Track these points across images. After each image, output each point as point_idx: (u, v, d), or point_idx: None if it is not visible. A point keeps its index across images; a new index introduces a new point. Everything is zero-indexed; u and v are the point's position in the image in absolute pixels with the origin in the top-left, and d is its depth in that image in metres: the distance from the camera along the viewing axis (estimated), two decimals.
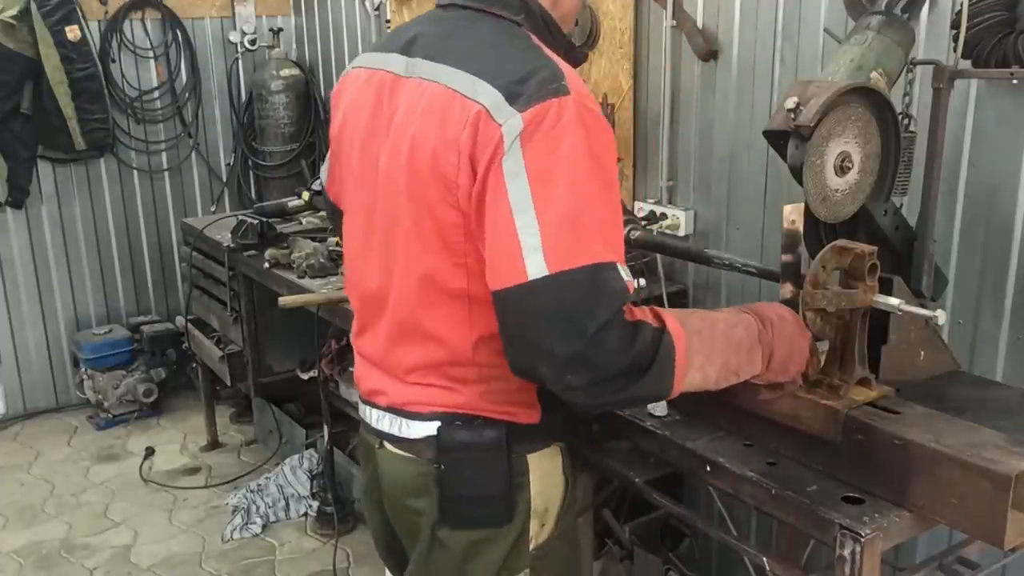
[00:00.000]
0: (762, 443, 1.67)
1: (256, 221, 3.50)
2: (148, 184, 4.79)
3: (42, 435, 4.47)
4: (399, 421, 1.55)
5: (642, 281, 2.75)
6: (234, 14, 4.84)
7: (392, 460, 1.59)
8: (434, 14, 1.57)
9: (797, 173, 1.62)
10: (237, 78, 4.92)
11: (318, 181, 2.38)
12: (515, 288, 1.30)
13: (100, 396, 4.48)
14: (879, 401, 1.56)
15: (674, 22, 2.77)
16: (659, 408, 1.84)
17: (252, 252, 3.45)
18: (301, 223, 3.69)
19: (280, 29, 4.80)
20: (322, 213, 3.54)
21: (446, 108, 1.37)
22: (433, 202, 1.40)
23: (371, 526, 1.79)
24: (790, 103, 1.59)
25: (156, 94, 4.70)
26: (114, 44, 4.51)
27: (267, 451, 4.04)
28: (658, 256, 2.80)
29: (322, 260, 3.15)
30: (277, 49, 4.71)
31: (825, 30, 2.20)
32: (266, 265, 3.28)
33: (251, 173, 5.00)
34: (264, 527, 3.59)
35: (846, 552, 1.42)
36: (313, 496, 3.64)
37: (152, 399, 4.55)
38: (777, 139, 1.67)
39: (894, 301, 1.49)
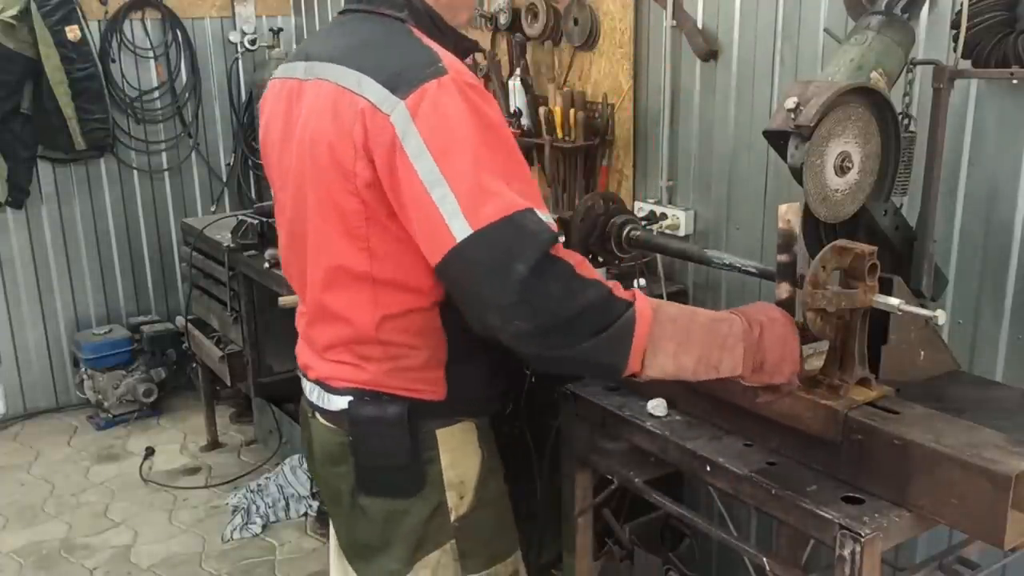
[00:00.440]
0: (762, 443, 1.67)
1: (256, 221, 3.50)
2: (148, 184, 4.79)
3: (42, 435, 4.47)
4: (324, 394, 1.68)
5: (642, 281, 2.76)
6: (234, 14, 4.84)
7: (320, 429, 1.73)
8: (335, 20, 1.71)
9: (797, 173, 1.62)
10: (237, 78, 4.92)
11: None
12: (449, 254, 1.38)
13: (100, 396, 4.48)
14: (879, 401, 1.56)
15: (674, 22, 2.77)
16: (659, 408, 1.84)
17: (252, 252, 3.45)
18: None
19: (280, 29, 4.80)
20: None
21: (337, 103, 1.49)
22: (334, 192, 1.51)
23: (318, 488, 1.96)
24: (790, 103, 1.59)
25: (156, 94, 4.70)
26: (114, 44, 4.51)
27: (267, 451, 4.04)
28: (658, 256, 2.80)
29: None
30: (277, 49, 4.71)
31: (825, 30, 2.20)
32: (266, 265, 3.29)
33: (251, 173, 5.00)
34: (264, 527, 3.59)
35: (846, 552, 1.42)
36: (313, 496, 3.64)
37: (152, 399, 4.55)
38: (777, 139, 1.67)
39: (894, 301, 1.49)
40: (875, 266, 1.51)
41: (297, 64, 1.65)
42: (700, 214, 2.87)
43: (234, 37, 4.85)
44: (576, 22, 3.06)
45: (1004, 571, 2.20)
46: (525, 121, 3.24)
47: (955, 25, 1.95)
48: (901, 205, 1.99)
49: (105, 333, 4.57)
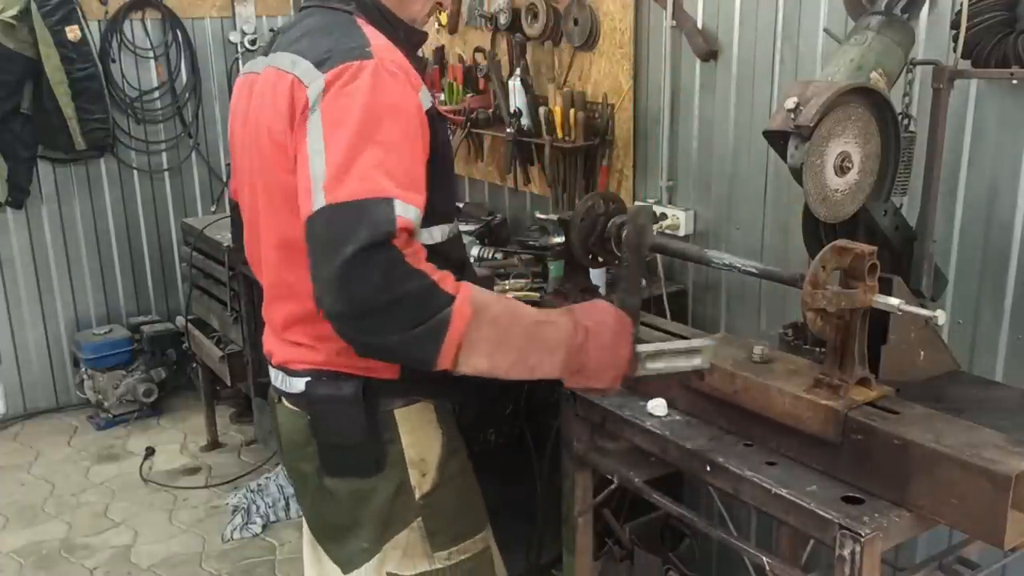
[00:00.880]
0: (762, 443, 1.67)
1: None
2: (148, 184, 4.79)
3: (42, 435, 4.47)
4: (286, 378, 1.72)
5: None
6: (234, 14, 4.84)
7: (285, 413, 1.77)
8: (296, 16, 1.78)
9: (797, 173, 1.62)
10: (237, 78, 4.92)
11: None
12: (306, 221, 1.44)
13: (100, 396, 4.48)
14: (879, 401, 1.56)
15: (674, 22, 2.77)
16: (659, 408, 1.84)
17: None
18: None
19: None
20: None
21: (275, 85, 1.57)
22: (277, 170, 1.57)
23: (287, 473, 1.98)
24: (790, 103, 1.59)
25: (156, 94, 4.70)
26: (114, 44, 4.51)
27: (267, 451, 4.04)
28: (658, 256, 2.80)
29: None
30: None
31: (825, 30, 2.20)
32: None
33: None
34: (264, 527, 3.59)
35: (846, 552, 1.42)
36: None
37: (152, 399, 4.55)
38: (777, 139, 1.67)
39: (894, 301, 1.49)
40: (875, 266, 1.51)
41: (259, 59, 1.72)
42: (700, 214, 2.87)
43: (234, 37, 4.85)
44: (576, 22, 3.06)
45: (1004, 571, 2.20)
46: (525, 121, 3.24)
47: (955, 25, 1.95)
48: (901, 205, 1.99)
49: (105, 333, 4.57)
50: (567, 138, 3.09)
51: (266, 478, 3.75)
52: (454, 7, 3.60)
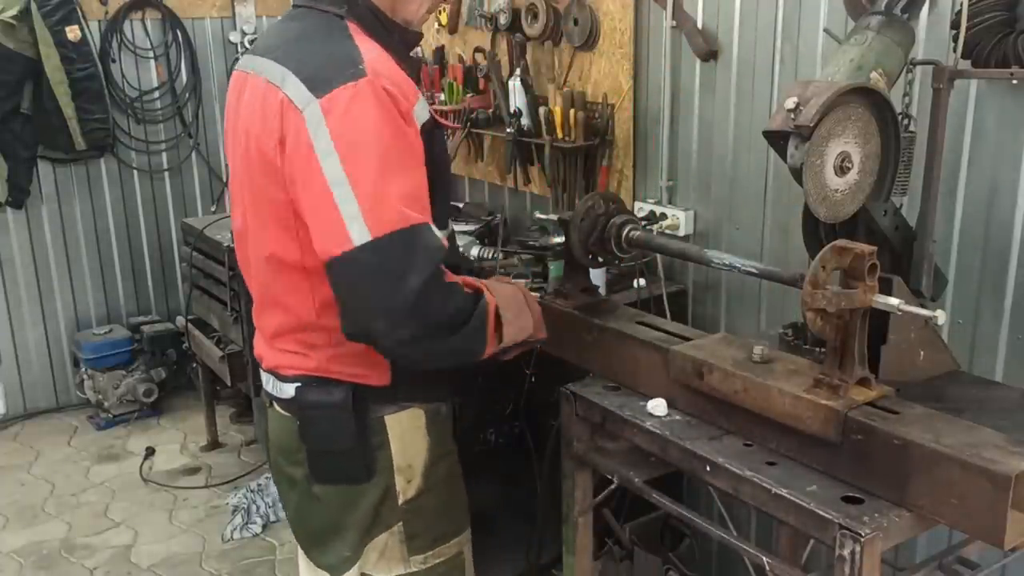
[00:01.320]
0: (762, 443, 1.67)
1: None
2: (148, 184, 4.79)
3: (42, 435, 4.47)
4: (277, 383, 1.73)
5: (642, 281, 2.76)
6: (234, 14, 4.83)
7: (276, 418, 1.78)
8: (285, 14, 1.75)
9: (797, 173, 1.62)
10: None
11: None
12: (343, 255, 1.45)
13: (100, 396, 4.48)
14: (879, 401, 1.56)
15: (674, 22, 2.77)
16: (659, 408, 1.84)
17: None
18: None
19: None
20: None
21: (264, 99, 1.54)
22: (264, 185, 1.56)
23: (274, 479, 1.98)
24: (790, 103, 1.59)
25: (156, 94, 4.70)
26: (114, 44, 4.51)
27: (267, 451, 4.04)
28: (658, 256, 2.80)
29: None
30: None
31: (825, 30, 2.20)
32: None
33: None
34: (264, 527, 3.59)
35: (846, 552, 1.42)
36: None
37: (152, 399, 4.55)
38: (777, 139, 1.67)
39: (894, 301, 1.49)
40: (875, 266, 1.51)
41: (249, 58, 1.70)
42: (700, 214, 2.87)
43: (234, 37, 4.85)
44: (576, 22, 3.06)
45: (1004, 571, 2.20)
46: (525, 121, 3.24)
47: (955, 25, 1.95)
48: (901, 205, 1.99)
49: (105, 333, 4.57)
50: (567, 138, 3.09)
51: (266, 478, 3.75)
52: (454, 7, 3.60)
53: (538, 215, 2.84)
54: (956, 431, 1.47)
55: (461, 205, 3.76)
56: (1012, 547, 1.39)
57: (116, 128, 4.56)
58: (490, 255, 3.08)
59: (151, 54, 4.64)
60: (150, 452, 4.20)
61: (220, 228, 3.77)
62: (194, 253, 3.90)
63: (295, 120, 1.47)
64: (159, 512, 3.75)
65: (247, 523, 3.57)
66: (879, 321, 1.64)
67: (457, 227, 3.08)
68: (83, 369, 4.55)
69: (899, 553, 2.31)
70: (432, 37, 3.72)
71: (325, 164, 1.44)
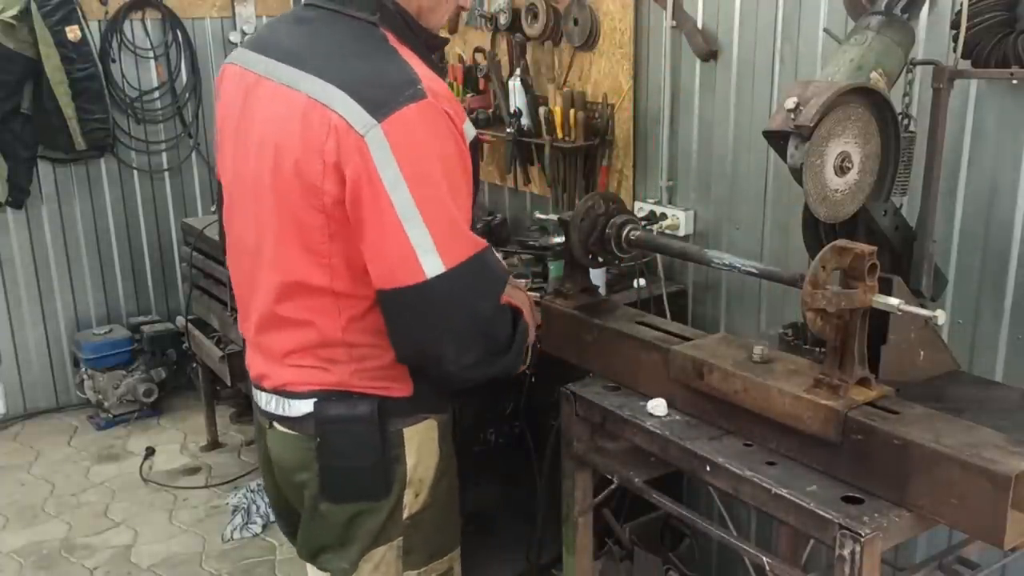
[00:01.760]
0: (762, 443, 1.67)
1: None
2: (148, 184, 4.79)
3: (42, 435, 4.47)
4: (283, 402, 1.65)
5: (642, 281, 2.76)
6: (234, 14, 4.83)
7: (279, 439, 1.70)
8: (297, 14, 1.62)
9: (797, 173, 1.62)
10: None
11: None
12: (415, 287, 1.43)
13: (100, 396, 4.48)
14: (879, 401, 1.56)
15: (674, 22, 2.77)
16: (659, 408, 1.84)
17: None
18: None
19: None
20: None
21: (306, 116, 1.44)
22: (297, 207, 1.48)
23: (270, 500, 1.92)
24: (790, 103, 1.59)
25: (156, 94, 4.70)
26: (114, 44, 4.51)
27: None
28: (658, 256, 2.80)
29: None
30: None
31: (825, 30, 2.20)
32: None
33: None
34: (264, 527, 3.58)
35: (846, 552, 1.42)
36: None
37: (152, 399, 4.55)
38: (777, 139, 1.67)
39: (894, 301, 1.49)
40: (875, 266, 1.51)
41: (257, 57, 1.59)
42: (700, 214, 2.87)
43: (234, 37, 4.85)
44: (576, 22, 3.06)
45: (1004, 571, 2.20)
46: (525, 121, 3.24)
47: (955, 25, 1.95)
48: (901, 205, 1.99)
49: (105, 333, 4.57)
50: (567, 138, 3.09)
51: None
52: None
53: (538, 215, 2.84)
54: (956, 431, 1.47)
55: None
56: (1012, 547, 1.39)
57: (116, 128, 4.56)
58: None
59: (151, 54, 4.64)
60: (150, 452, 4.20)
61: None
62: (194, 253, 3.90)
63: (355, 145, 1.39)
64: (159, 512, 3.74)
65: (247, 523, 3.57)
66: (879, 321, 1.64)
67: None
68: (83, 369, 4.55)
69: (899, 553, 2.31)
70: None
71: (394, 195, 1.40)
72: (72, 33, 4.18)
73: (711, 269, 2.70)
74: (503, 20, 3.32)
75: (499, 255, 1.58)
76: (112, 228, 4.73)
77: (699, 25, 2.73)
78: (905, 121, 1.88)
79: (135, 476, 4.03)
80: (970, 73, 1.96)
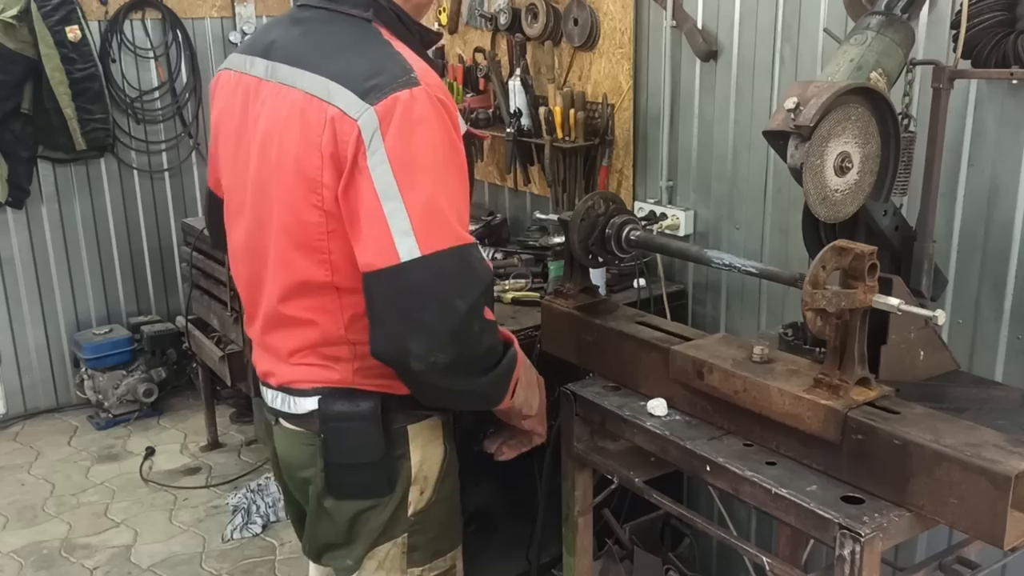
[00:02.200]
0: (762, 443, 1.67)
1: None
2: (148, 184, 4.79)
3: (42, 435, 4.47)
4: (288, 399, 1.66)
5: (642, 281, 2.76)
6: (234, 14, 4.84)
7: (285, 435, 1.72)
8: (293, 15, 1.64)
9: (797, 173, 1.62)
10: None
11: None
12: (388, 270, 1.40)
13: (100, 396, 4.48)
14: (879, 401, 1.56)
15: (674, 22, 2.77)
16: (659, 408, 1.84)
17: None
18: None
19: None
20: None
21: (305, 112, 1.46)
22: (298, 205, 1.49)
23: (284, 498, 1.93)
24: (790, 103, 1.59)
25: (156, 94, 4.70)
26: (114, 44, 4.51)
27: (267, 451, 4.03)
28: (658, 256, 2.80)
29: None
30: None
31: (825, 30, 2.20)
32: None
33: None
34: (264, 527, 3.59)
35: (846, 552, 1.42)
36: None
37: (152, 399, 4.55)
38: (777, 139, 1.67)
39: (893, 301, 1.49)
40: (875, 266, 1.51)
41: (255, 60, 1.61)
42: (700, 214, 2.87)
43: (234, 37, 4.85)
44: (576, 22, 3.06)
45: (1004, 571, 2.20)
46: (525, 121, 3.24)
47: (955, 25, 1.95)
48: (901, 205, 1.99)
49: (105, 333, 4.57)
50: (567, 138, 3.09)
51: (266, 478, 3.75)
52: (454, 7, 3.60)
53: (538, 215, 2.85)
54: (956, 431, 1.47)
55: None
56: (1012, 547, 1.40)
57: (116, 128, 4.56)
58: (490, 255, 3.08)
59: (151, 54, 4.64)
60: (150, 452, 4.20)
61: None
62: (194, 253, 3.90)
63: (349, 129, 1.41)
64: (159, 512, 3.75)
65: (247, 523, 3.57)
66: (879, 321, 1.64)
67: None
68: (83, 369, 4.55)
69: (899, 553, 2.31)
70: None
71: (377, 175, 1.39)
72: (72, 33, 4.18)
73: (711, 269, 2.70)
74: (503, 20, 3.32)
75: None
76: (112, 228, 4.73)
77: (699, 25, 2.73)
78: (905, 121, 1.88)
79: (135, 476, 4.03)
80: (970, 73, 1.97)
